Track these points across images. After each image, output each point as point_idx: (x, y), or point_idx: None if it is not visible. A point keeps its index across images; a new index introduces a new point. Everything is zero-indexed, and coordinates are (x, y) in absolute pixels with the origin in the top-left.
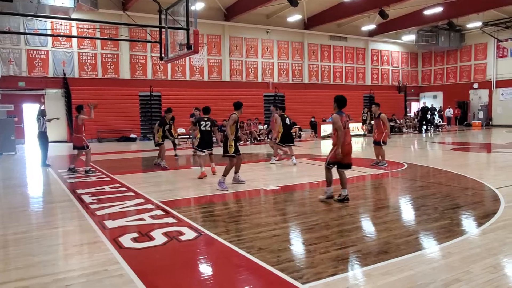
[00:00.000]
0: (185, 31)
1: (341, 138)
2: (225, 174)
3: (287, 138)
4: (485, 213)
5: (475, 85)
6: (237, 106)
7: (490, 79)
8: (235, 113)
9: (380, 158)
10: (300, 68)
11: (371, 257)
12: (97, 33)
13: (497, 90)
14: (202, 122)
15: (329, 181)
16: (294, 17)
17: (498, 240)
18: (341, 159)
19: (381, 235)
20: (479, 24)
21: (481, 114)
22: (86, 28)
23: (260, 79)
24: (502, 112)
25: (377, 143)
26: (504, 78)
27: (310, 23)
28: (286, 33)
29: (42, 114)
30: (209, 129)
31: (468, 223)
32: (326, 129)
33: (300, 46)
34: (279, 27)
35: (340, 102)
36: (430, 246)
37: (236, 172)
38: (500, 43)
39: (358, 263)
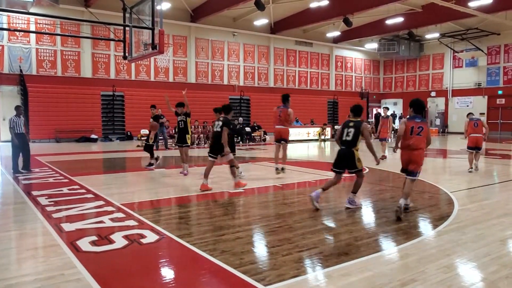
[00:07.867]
0: (150, 31)
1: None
2: (354, 190)
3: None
4: (440, 215)
5: (433, 93)
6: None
7: (447, 88)
8: (359, 121)
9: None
10: (266, 72)
11: (332, 258)
12: (57, 29)
13: (453, 98)
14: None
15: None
16: (261, 21)
17: (452, 241)
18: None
19: (342, 237)
20: (437, 35)
21: (438, 121)
22: (45, 24)
23: (226, 82)
24: (457, 119)
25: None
26: (459, 87)
27: (276, 27)
28: (253, 37)
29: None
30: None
31: (425, 225)
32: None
33: (266, 50)
34: (245, 30)
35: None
36: (389, 247)
37: (354, 191)
38: (456, 54)
39: (319, 264)
